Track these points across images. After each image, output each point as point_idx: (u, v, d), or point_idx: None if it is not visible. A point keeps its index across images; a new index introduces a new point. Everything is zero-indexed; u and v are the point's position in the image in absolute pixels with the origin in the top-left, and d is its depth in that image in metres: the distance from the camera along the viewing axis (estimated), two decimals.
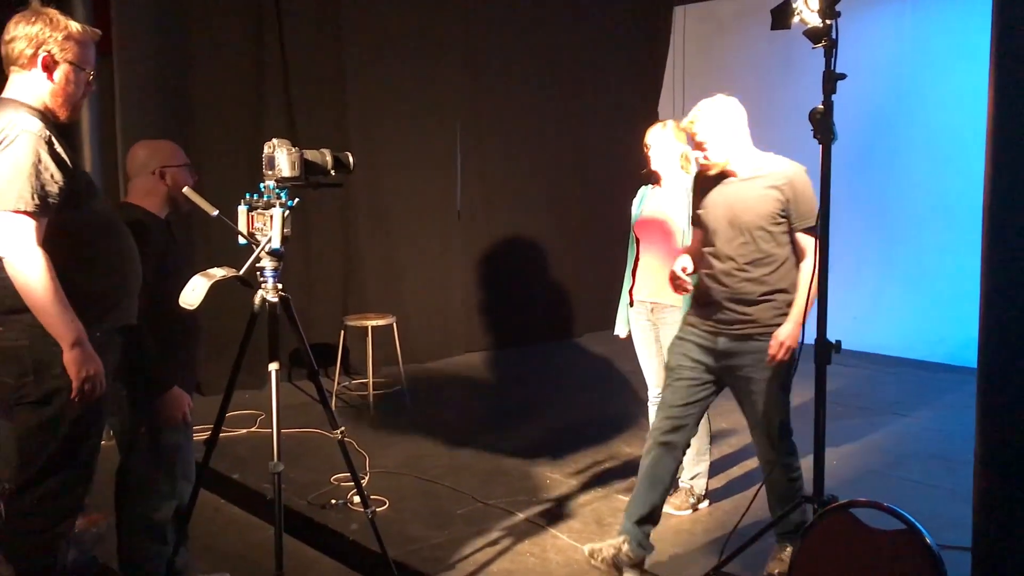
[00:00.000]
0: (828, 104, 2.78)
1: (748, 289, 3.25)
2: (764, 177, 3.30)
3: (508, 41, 7.51)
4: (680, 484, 4.17)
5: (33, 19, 2.57)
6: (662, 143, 3.98)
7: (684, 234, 3.90)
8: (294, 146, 2.90)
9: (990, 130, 2.12)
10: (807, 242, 3.25)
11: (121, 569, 3.23)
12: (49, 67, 2.57)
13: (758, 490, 3.32)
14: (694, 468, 4.12)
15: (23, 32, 2.56)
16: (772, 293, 3.25)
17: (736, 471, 4.64)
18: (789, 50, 7.69)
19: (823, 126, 2.77)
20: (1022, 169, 2.03)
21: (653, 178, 4.10)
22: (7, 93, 2.59)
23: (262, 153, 2.95)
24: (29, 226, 2.42)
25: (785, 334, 3.19)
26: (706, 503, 4.16)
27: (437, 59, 7.06)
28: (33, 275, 2.41)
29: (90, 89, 2.71)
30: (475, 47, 7.32)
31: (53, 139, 2.50)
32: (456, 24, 7.16)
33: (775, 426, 3.31)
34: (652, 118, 7.25)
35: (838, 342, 2.88)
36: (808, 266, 3.21)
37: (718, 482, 4.43)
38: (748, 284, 3.25)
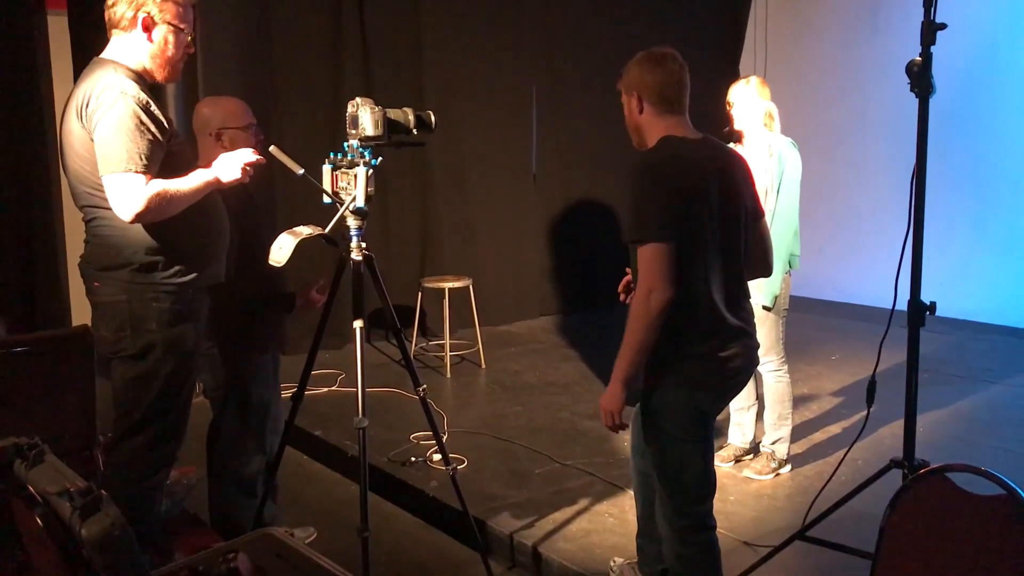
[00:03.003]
0: (927, 56, 2.65)
1: None
2: None
3: (584, 2, 7.39)
4: (762, 448, 4.12)
5: None
6: (745, 100, 3.87)
7: (767, 194, 3.79)
8: (376, 105, 2.90)
9: None
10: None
11: (212, 519, 3.34)
12: (149, 28, 2.61)
13: (844, 456, 3.26)
14: (775, 433, 4.06)
15: None
16: None
17: (819, 436, 4.56)
18: (875, 4, 7.43)
19: (921, 79, 2.65)
20: None
21: (735, 136, 3.99)
22: (106, 54, 2.64)
23: (343, 115, 2.95)
24: (140, 183, 2.46)
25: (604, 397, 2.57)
26: (788, 468, 4.09)
27: (513, 23, 7.00)
28: (161, 209, 2.50)
29: (189, 51, 2.74)
30: (551, 8, 7.23)
31: (149, 100, 2.55)
32: None
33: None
34: (733, 76, 7.06)
35: (932, 304, 2.77)
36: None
37: (800, 447, 4.35)
38: None
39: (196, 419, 3.01)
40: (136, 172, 2.46)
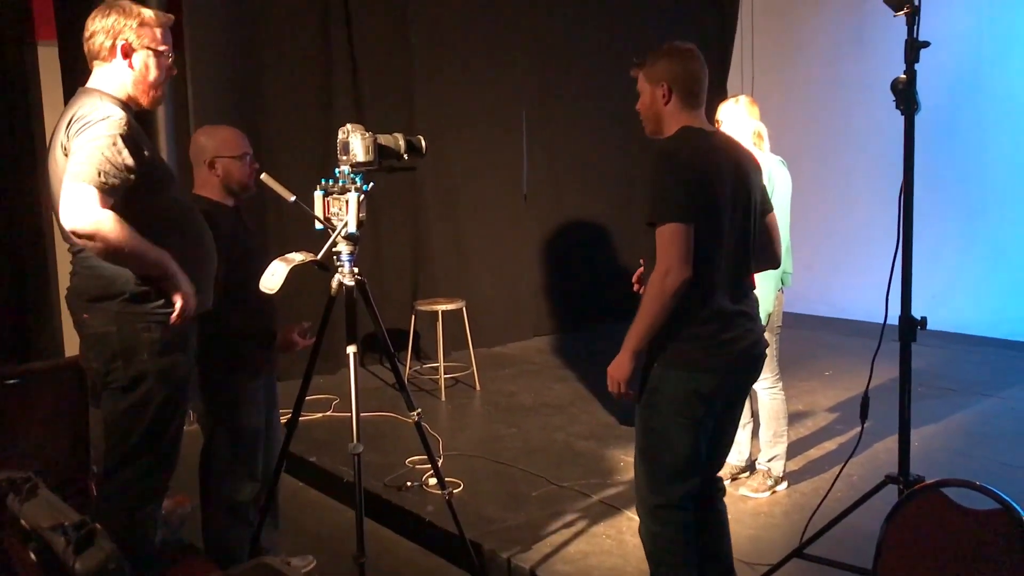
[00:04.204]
0: (911, 73, 2.69)
1: None
2: None
3: (573, 22, 7.45)
4: (757, 466, 4.11)
5: (108, 11, 2.62)
6: (734, 119, 3.90)
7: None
8: (367, 131, 2.92)
9: None
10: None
11: (206, 548, 3.31)
12: (128, 55, 2.62)
13: (839, 472, 3.26)
14: (771, 450, 4.06)
15: (100, 25, 2.61)
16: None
17: (814, 453, 4.56)
18: (861, 22, 7.50)
19: (906, 96, 2.68)
20: None
21: None
22: (90, 84, 2.65)
23: (333, 140, 2.96)
24: (95, 196, 2.40)
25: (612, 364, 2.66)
26: (784, 485, 4.09)
27: (503, 45, 7.05)
28: (107, 230, 2.41)
29: (172, 72, 2.75)
30: (540, 31, 7.28)
31: (133, 128, 2.55)
32: (521, 8, 7.13)
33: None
34: (721, 95, 7.12)
35: (923, 318, 2.79)
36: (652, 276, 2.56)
37: (796, 464, 4.35)
38: None
39: (189, 447, 3.00)
40: (94, 187, 2.40)
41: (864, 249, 7.32)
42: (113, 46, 2.60)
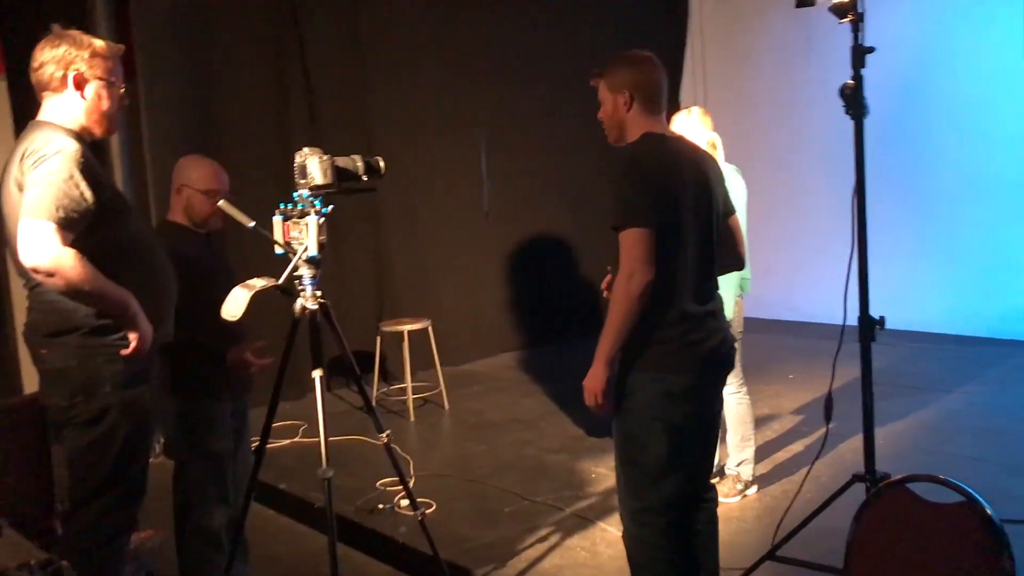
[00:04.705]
0: (858, 78, 2.75)
1: None
2: None
3: (526, 40, 7.49)
4: (727, 471, 4.15)
5: (57, 42, 2.60)
6: (688, 130, 3.94)
7: None
8: (325, 154, 2.91)
9: None
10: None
11: None
12: (80, 85, 2.60)
13: (807, 473, 3.30)
14: (739, 455, 4.09)
15: (50, 56, 2.59)
16: None
17: (781, 455, 4.61)
18: (810, 29, 7.64)
19: (855, 101, 2.74)
20: None
21: None
22: (42, 116, 2.62)
23: (291, 164, 2.96)
24: (53, 232, 2.38)
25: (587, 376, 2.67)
26: (754, 489, 4.13)
27: (456, 64, 7.06)
28: (68, 268, 2.39)
29: (123, 103, 2.74)
30: (494, 46, 7.31)
31: (88, 160, 2.53)
32: (473, 26, 7.16)
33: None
34: (674, 107, 7.21)
35: (882, 318, 2.84)
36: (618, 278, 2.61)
37: (764, 467, 4.39)
38: None
39: (157, 479, 2.97)
40: (53, 223, 2.38)
41: (822, 252, 7.41)
42: (64, 76, 2.58)
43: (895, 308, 6.35)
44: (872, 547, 2.14)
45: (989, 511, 1.98)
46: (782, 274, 7.68)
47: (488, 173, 7.40)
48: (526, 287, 7.58)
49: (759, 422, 4.61)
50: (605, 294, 2.80)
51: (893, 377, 5.83)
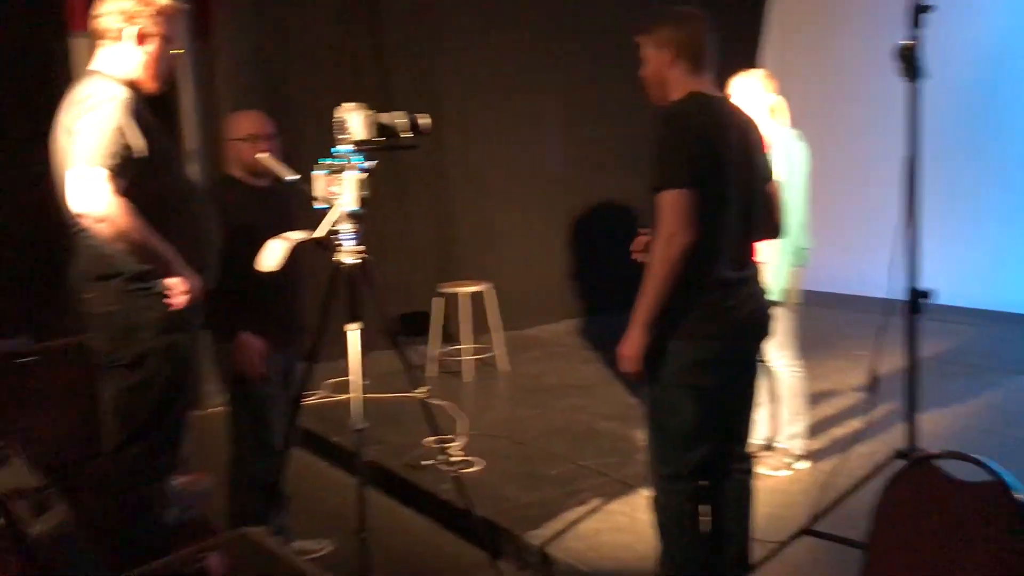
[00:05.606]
0: (916, 38, 2.61)
1: None
2: None
3: (597, 1, 7.37)
4: (776, 444, 4.06)
5: None
6: (748, 93, 3.83)
7: None
8: (369, 109, 2.93)
9: None
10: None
11: (231, 525, 3.36)
12: (141, 40, 2.65)
13: (848, 450, 3.21)
14: (790, 428, 4.00)
15: (115, 7, 2.64)
16: None
17: (838, 431, 4.48)
18: None
19: (910, 62, 2.61)
20: None
21: None
22: (95, 66, 2.69)
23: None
24: (105, 179, 2.45)
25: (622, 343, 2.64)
26: (804, 463, 4.03)
27: (526, 26, 7.00)
28: (119, 220, 2.46)
29: (175, 63, 2.79)
30: (563, 9, 7.21)
31: (138, 108, 2.59)
32: None
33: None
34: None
35: (928, 290, 2.73)
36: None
37: (819, 443, 4.28)
38: None
39: (216, 426, 3.05)
40: (105, 169, 2.45)
41: (889, 224, 7.15)
42: (124, 29, 2.63)
43: (982, 285, 6.08)
44: (895, 522, 2.07)
45: (1020, 494, 1.89)
46: (860, 246, 7.41)
47: (558, 138, 7.34)
48: (591, 254, 7.51)
49: (819, 397, 4.51)
50: (634, 256, 2.75)
51: (965, 356, 5.61)
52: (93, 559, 1.35)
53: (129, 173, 2.52)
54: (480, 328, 6.06)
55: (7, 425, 2.67)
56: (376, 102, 3.27)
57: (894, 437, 4.18)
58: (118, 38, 2.65)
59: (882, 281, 2.95)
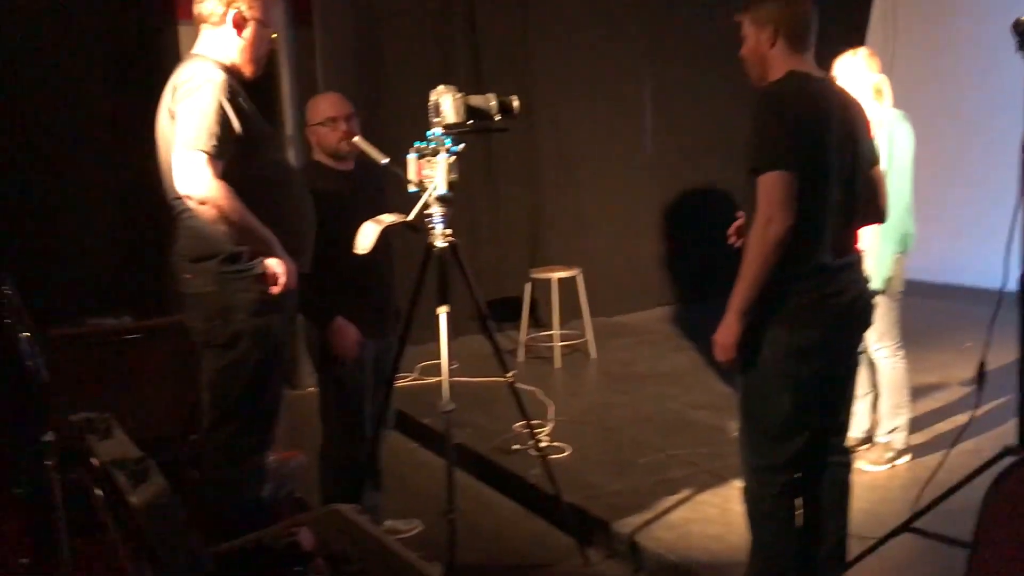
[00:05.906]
0: None
1: None
2: None
3: None
4: (877, 439, 3.93)
5: None
6: (852, 72, 3.69)
7: None
8: (459, 92, 2.93)
9: None
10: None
11: (324, 503, 3.43)
12: (239, 24, 2.71)
13: (952, 444, 3.07)
14: (891, 422, 3.87)
15: None
16: None
17: (943, 426, 4.30)
18: None
19: None
20: None
21: None
22: (196, 49, 2.76)
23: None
24: (206, 163, 2.52)
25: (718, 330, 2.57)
26: (906, 458, 3.89)
27: (621, 10, 6.92)
28: (222, 202, 2.54)
29: (271, 48, 2.84)
30: None
31: (236, 91, 2.65)
32: None
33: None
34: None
35: None
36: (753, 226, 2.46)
37: (923, 437, 4.12)
38: None
39: (312, 406, 3.09)
40: (206, 152, 2.52)
41: (1003, 209, 6.81)
42: (225, 13, 2.70)
43: None
44: (1005, 521, 1.97)
45: None
46: (976, 236, 7.09)
47: (651, 123, 7.23)
48: (683, 241, 7.38)
49: (924, 391, 4.35)
50: (731, 240, 2.68)
51: None
52: (188, 531, 1.38)
53: (228, 155, 2.58)
54: (569, 314, 6.03)
55: (110, 400, 2.76)
56: (469, 87, 3.29)
57: (1002, 433, 4.02)
58: (220, 22, 2.71)
59: (994, 270, 2.80)
